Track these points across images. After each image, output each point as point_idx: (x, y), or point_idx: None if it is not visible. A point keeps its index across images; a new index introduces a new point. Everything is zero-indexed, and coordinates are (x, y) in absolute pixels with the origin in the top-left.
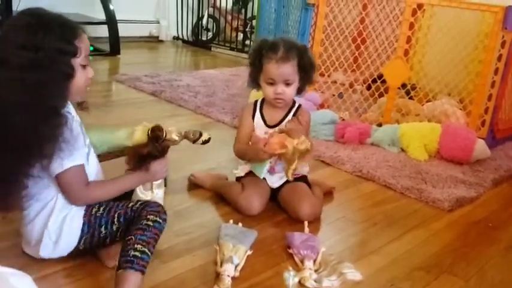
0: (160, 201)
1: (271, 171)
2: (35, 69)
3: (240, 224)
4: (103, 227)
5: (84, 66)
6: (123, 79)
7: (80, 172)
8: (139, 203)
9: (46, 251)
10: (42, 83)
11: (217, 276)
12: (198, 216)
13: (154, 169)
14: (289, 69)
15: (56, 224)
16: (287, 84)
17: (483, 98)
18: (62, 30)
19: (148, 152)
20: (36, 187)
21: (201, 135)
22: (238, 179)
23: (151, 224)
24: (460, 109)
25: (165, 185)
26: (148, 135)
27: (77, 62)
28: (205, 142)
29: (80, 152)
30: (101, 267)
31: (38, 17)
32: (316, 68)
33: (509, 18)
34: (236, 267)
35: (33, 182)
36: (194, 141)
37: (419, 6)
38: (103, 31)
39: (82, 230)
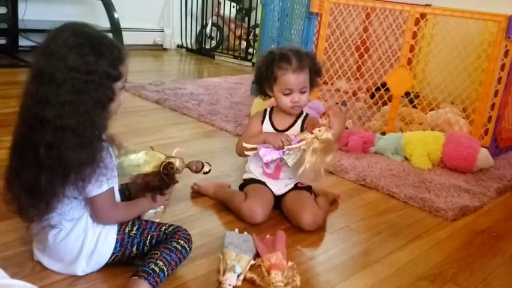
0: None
1: (275, 176)
2: (84, 92)
3: (245, 233)
4: (135, 247)
5: (120, 90)
6: (128, 87)
7: (112, 194)
8: (171, 227)
9: (82, 268)
10: (90, 106)
11: (219, 285)
12: (201, 224)
13: (160, 199)
14: (305, 78)
15: (93, 239)
16: (302, 92)
17: (486, 107)
18: (111, 55)
19: (159, 185)
20: (66, 206)
21: (203, 166)
22: (241, 187)
23: (180, 248)
24: (463, 118)
25: None
26: (160, 171)
27: (118, 86)
28: (205, 173)
29: (113, 175)
30: (106, 277)
31: (89, 38)
32: (322, 72)
33: None
34: (238, 276)
35: (67, 203)
36: (196, 172)
37: (423, 15)
38: None
39: (114, 248)
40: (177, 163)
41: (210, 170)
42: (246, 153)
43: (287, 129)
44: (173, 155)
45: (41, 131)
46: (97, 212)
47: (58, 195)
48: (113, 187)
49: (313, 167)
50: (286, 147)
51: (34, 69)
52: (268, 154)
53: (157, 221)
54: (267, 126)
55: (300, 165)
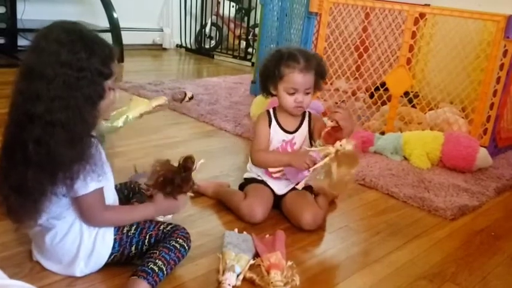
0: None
1: (278, 176)
2: (75, 88)
3: (244, 233)
4: (133, 246)
5: (110, 89)
6: (127, 87)
7: (101, 195)
8: (170, 226)
9: (80, 269)
10: (81, 102)
11: (219, 285)
12: (201, 224)
13: (168, 205)
14: (311, 78)
15: (90, 240)
16: (307, 93)
17: (485, 106)
18: (103, 53)
19: (174, 179)
20: (58, 206)
21: (185, 94)
22: (241, 187)
23: (178, 247)
24: (462, 117)
25: None
26: (179, 163)
27: (108, 84)
28: (190, 99)
29: (102, 172)
30: (105, 277)
31: (81, 36)
32: (326, 75)
33: (511, 27)
34: (238, 276)
35: (56, 201)
36: (181, 101)
37: (422, 15)
38: (107, 39)
39: (113, 248)
40: (163, 101)
41: (192, 96)
42: (273, 176)
43: (296, 131)
44: (174, 163)
45: (30, 127)
46: (85, 212)
47: (46, 194)
48: (102, 188)
49: (339, 179)
50: (311, 168)
51: (24, 67)
52: (297, 176)
53: None
54: (275, 129)
55: (326, 176)
